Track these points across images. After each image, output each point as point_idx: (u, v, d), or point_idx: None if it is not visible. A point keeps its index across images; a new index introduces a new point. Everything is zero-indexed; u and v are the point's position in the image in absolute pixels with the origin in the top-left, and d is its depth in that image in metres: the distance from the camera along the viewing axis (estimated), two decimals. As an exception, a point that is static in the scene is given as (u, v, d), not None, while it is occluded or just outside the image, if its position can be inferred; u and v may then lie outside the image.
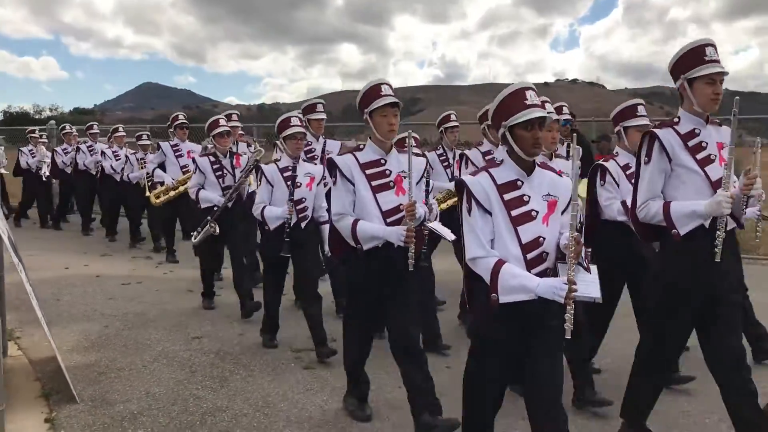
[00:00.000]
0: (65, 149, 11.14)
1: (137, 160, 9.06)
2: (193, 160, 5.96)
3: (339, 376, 4.12)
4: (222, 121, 5.89)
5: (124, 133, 9.99)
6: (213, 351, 4.73)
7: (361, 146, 3.39)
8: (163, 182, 7.98)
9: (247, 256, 6.37)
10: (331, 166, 3.34)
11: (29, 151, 11.44)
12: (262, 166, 4.72)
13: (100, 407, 3.71)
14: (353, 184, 3.27)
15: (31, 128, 12.08)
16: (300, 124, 4.68)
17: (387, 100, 3.22)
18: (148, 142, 9.29)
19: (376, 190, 3.27)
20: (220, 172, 5.72)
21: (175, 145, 8.02)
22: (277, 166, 4.65)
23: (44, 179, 11.07)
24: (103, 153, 9.90)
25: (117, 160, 9.58)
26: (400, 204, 3.24)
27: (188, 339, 5.01)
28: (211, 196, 5.66)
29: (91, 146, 10.47)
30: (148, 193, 8.29)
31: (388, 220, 3.24)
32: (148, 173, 8.41)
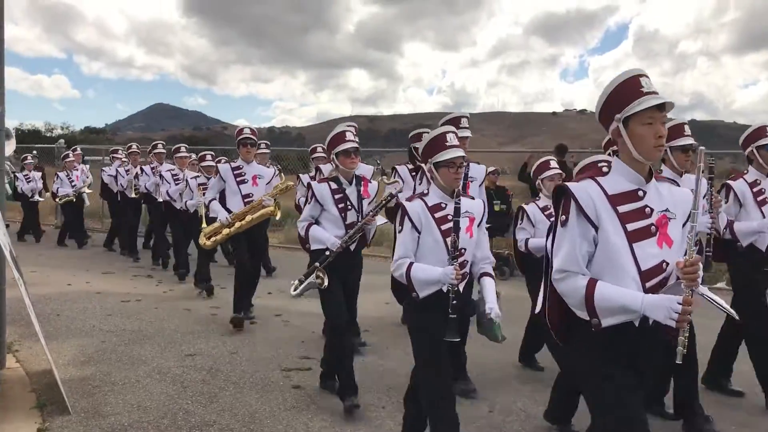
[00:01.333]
0: (128, 170, 10.33)
1: (198, 185, 7.71)
2: (309, 186, 4.44)
3: (325, 396, 4.27)
4: (349, 134, 4.28)
5: (186, 154, 8.85)
6: (205, 368, 4.85)
7: (604, 168, 2.27)
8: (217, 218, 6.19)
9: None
10: (563, 197, 2.24)
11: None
12: (405, 203, 3.15)
13: (92, 419, 3.83)
14: (596, 227, 2.16)
15: (114, 147, 11.78)
16: (459, 144, 3.14)
17: (653, 100, 2.11)
18: (211, 164, 7.87)
19: (632, 237, 2.14)
20: (343, 204, 4.27)
21: (238, 167, 6.08)
22: (425, 203, 3.11)
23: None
24: (161, 176, 8.82)
25: (177, 183, 8.48)
26: (663, 261, 2.16)
27: (182, 356, 5.14)
28: (325, 235, 4.22)
29: (155, 167, 9.46)
30: (204, 224, 6.80)
31: (647, 285, 2.14)
32: (205, 203, 6.70)
